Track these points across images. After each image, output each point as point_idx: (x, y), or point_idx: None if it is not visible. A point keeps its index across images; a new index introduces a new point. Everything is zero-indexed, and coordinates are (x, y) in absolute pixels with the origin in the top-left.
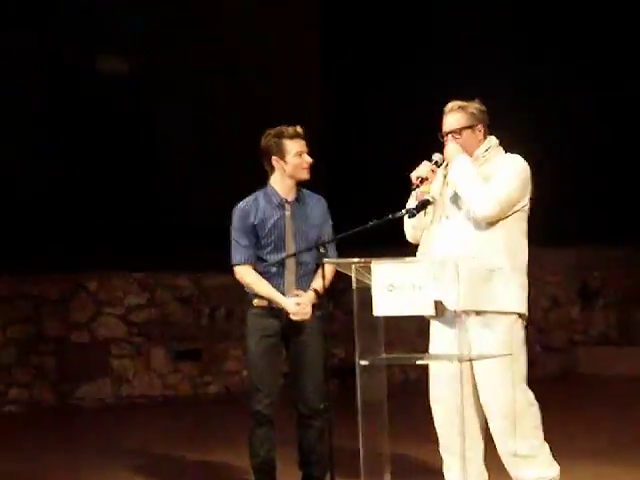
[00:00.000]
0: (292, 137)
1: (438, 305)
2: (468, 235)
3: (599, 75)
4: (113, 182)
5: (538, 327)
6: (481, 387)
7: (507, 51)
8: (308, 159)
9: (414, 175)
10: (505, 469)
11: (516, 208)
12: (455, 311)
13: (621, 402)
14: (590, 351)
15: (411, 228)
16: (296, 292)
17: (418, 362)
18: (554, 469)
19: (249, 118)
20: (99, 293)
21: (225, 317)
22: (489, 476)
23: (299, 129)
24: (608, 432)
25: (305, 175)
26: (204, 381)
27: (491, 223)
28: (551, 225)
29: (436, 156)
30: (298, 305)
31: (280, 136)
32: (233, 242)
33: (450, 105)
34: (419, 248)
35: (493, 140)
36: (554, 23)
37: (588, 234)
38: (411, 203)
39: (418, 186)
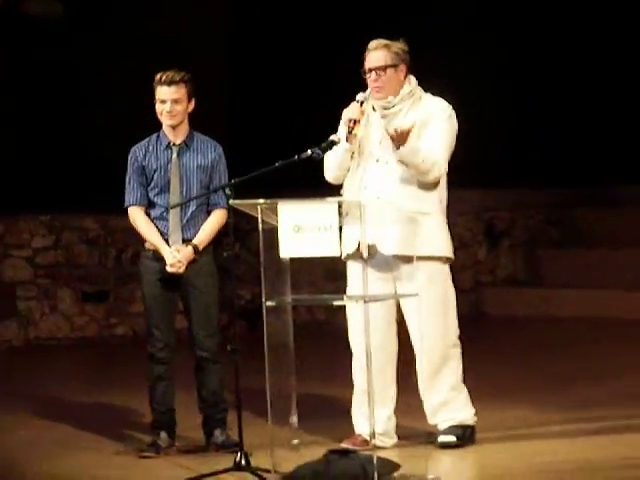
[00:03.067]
0: (159, 83)
1: (370, 247)
2: (401, 179)
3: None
4: (23, 123)
5: None
6: (411, 329)
7: None
8: (167, 107)
9: (345, 117)
10: (412, 413)
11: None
12: (365, 253)
13: (527, 343)
14: (496, 292)
15: (336, 169)
16: (177, 247)
17: (323, 303)
18: (470, 412)
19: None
20: (5, 236)
21: (132, 259)
22: (397, 422)
23: (167, 75)
24: (514, 372)
25: (166, 121)
26: (111, 323)
27: None
28: (457, 166)
29: (360, 96)
30: (174, 259)
31: (154, 82)
32: (125, 184)
33: (375, 43)
34: (343, 189)
35: (413, 80)
36: None
37: (494, 175)
38: (343, 144)
39: (352, 128)
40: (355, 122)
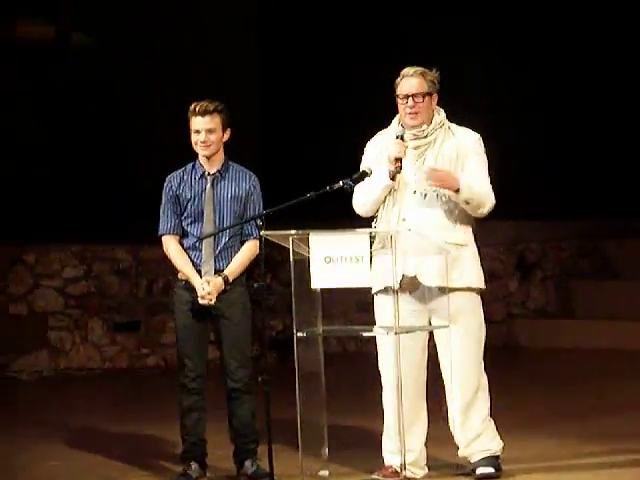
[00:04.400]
0: (193, 114)
1: (411, 279)
2: (438, 210)
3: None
4: (57, 154)
5: None
6: (444, 361)
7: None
8: (201, 137)
9: (391, 157)
10: (441, 444)
11: None
12: (395, 283)
13: (558, 375)
14: (527, 324)
15: (372, 203)
16: (208, 278)
17: (355, 334)
18: (498, 443)
19: (184, 94)
20: (37, 266)
21: (162, 289)
22: (427, 452)
23: (201, 105)
24: (545, 405)
25: (201, 152)
26: (142, 353)
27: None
28: None
29: (399, 131)
30: (204, 290)
31: (189, 112)
32: (160, 212)
33: (411, 69)
34: (378, 222)
35: (442, 111)
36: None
37: (526, 207)
38: (385, 181)
39: (400, 168)
40: (400, 160)
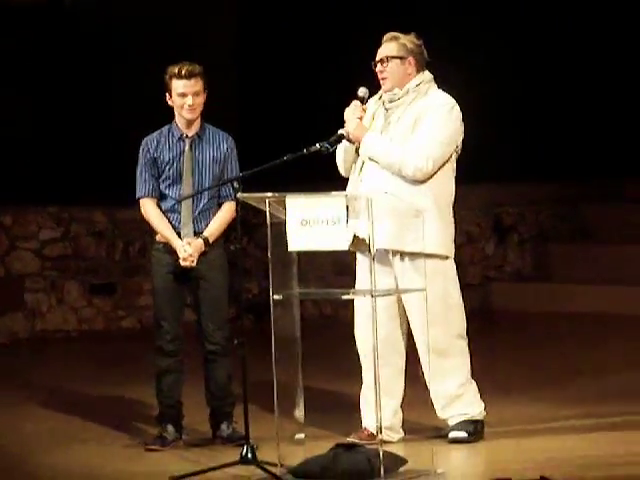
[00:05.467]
0: (177, 77)
1: (360, 241)
2: (393, 174)
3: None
4: (37, 114)
5: None
6: (413, 325)
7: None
8: (188, 101)
9: (345, 116)
10: (418, 408)
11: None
12: (372, 248)
13: (535, 339)
14: (505, 287)
15: (341, 163)
16: (188, 240)
17: (332, 297)
18: (480, 406)
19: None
20: (13, 227)
21: (139, 251)
22: (404, 414)
23: (186, 68)
24: (523, 369)
25: (186, 115)
26: (118, 315)
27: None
28: (465, 161)
29: (361, 92)
30: (185, 252)
31: (170, 75)
32: (137, 175)
33: (386, 35)
34: (348, 184)
35: (427, 75)
36: None
37: (502, 170)
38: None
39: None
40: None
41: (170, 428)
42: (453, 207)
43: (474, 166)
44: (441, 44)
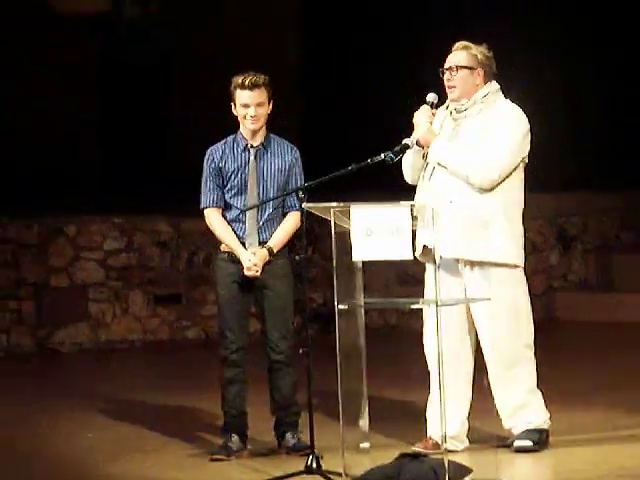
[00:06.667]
0: (240, 87)
1: (428, 251)
2: (460, 183)
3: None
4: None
5: None
6: (481, 334)
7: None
8: (250, 112)
9: (415, 120)
10: (483, 417)
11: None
12: (440, 257)
13: (598, 348)
14: (569, 297)
15: (409, 169)
16: (253, 250)
17: (396, 306)
18: (545, 416)
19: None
20: (78, 238)
21: (203, 261)
22: (469, 425)
23: (250, 79)
24: (587, 378)
25: (250, 126)
26: (182, 325)
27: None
28: (530, 170)
29: (430, 97)
30: (250, 262)
31: (234, 85)
32: (202, 185)
33: (457, 44)
34: (416, 191)
35: (494, 86)
36: None
37: (566, 179)
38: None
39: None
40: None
41: (235, 438)
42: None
43: (538, 175)
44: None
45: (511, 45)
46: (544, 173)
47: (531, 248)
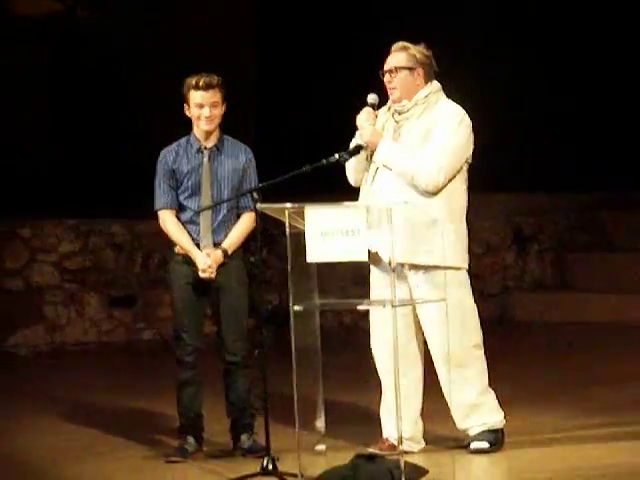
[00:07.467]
0: (194, 88)
1: (373, 254)
2: (404, 183)
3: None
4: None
5: (472, 273)
6: (428, 336)
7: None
8: (205, 112)
9: (359, 123)
10: (438, 418)
11: (459, 167)
12: (393, 259)
13: (555, 348)
14: (525, 297)
15: (351, 172)
16: (208, 251)
17: (352, 307)
18: (499, 416)
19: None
20: (32, 240)
21: (158, 264)
22: (424, 425)
23: (203, 80)
24: (543, 378)
25: (204, 127)
26: (138, 327)
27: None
28: (484, 170)
29: (371, 98)
30: (205, 264)
31: (187, 86)
32: (155, 187)
33: (395, 45)
34: (360, 194)
35: (435, 85)
36: None
37: (522, 180)
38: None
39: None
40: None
41: (191, 440)
42: (470, 217)
43: (493, 175)
44: (463, 54)
45: (455, 42)
46: (499, 173)
47: (487, 248)
